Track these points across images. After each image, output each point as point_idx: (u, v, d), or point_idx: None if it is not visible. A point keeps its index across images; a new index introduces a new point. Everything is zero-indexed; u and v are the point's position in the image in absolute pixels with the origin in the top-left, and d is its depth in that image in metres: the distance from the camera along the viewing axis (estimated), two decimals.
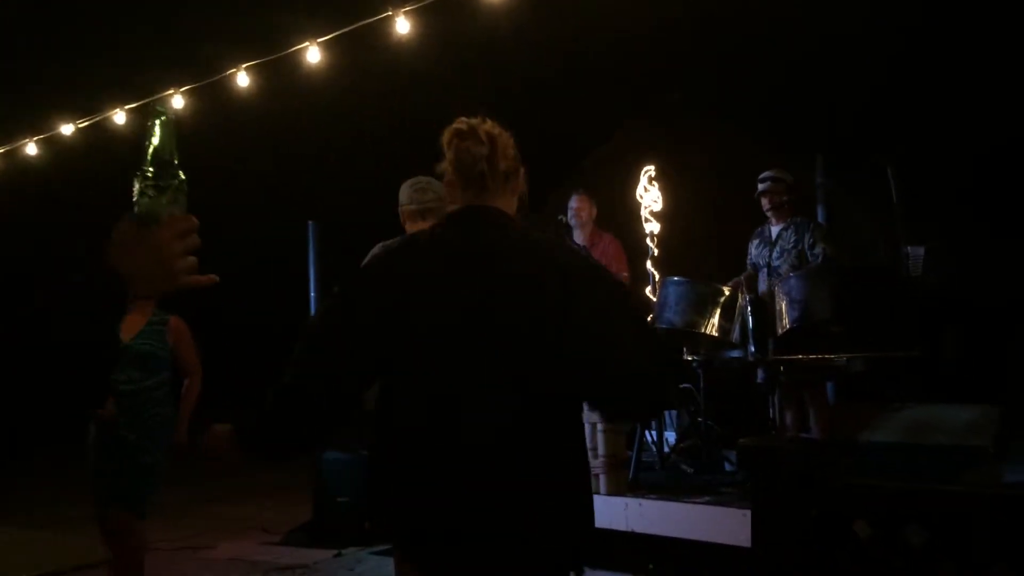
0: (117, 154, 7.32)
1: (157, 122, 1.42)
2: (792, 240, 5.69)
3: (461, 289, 2.05)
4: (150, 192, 1.38)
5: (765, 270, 5.78)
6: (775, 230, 5.84)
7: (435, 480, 1.99)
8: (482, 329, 2.02)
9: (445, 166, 2.22)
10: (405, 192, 4.02)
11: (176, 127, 1.44)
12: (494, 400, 1.99)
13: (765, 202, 5.83)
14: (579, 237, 6.20)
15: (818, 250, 5.56)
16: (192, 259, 1.39)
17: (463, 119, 2.22)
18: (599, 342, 2.04)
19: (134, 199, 1.39)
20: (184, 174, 1.42)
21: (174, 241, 1.36)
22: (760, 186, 5.84)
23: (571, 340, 1.99)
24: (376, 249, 3.11)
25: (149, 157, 1.40)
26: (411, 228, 3.89)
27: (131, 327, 4.38)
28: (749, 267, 6.02)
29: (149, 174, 1.39)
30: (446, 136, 2.22)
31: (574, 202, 6.25)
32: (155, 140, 1.41)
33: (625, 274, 6.28)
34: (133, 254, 1.34)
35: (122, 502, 4.20)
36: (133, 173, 1.39)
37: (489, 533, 1.99)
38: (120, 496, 4.21)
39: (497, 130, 2.23)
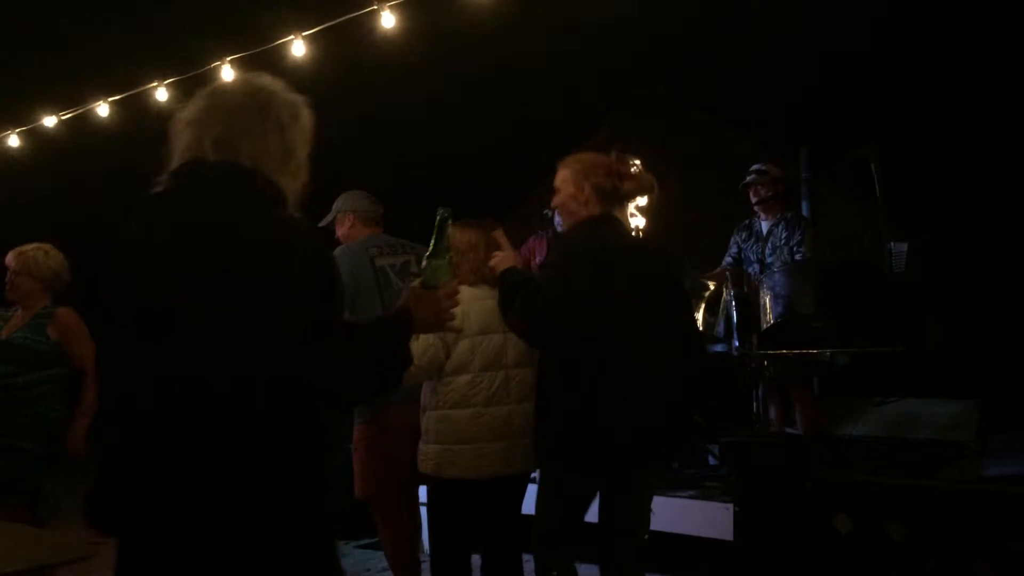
0: (99, 146, 7.28)
1: (439, 219, 2.13)
2: (784, 237, 5.68)
3: (632, 273, 3.10)
4: (431, 266, 2.09)
5: (757, 266, 5.77)
6: (765, 226, 5.83)
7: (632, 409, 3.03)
8: (647, 299, 3.10)
9: (585, 190, 3.17)
10: (362, 200, 4.55)
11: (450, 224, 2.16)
12: (659, 350, 3.07)
13: (751, 194, 5.84)
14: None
15: (802, 253, 5.56)
16: (455, 312, 2.14)
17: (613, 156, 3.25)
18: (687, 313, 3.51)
19: (422, 268, 2.12)
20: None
21: (445, 300, 2.09)
22: (747, 179, 5.84)
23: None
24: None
25: (433, 242, 2.10)
26: (361, 231, 4.49)
27: (16, 322, 4.33)
28: (730, 259, 6.02)
29: (431, 254, 2.10)
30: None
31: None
32: (439, 232, 2.12)
33: None
34: (418, 306, 2.04)
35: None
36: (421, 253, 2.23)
37: (660, 436, 3.15)
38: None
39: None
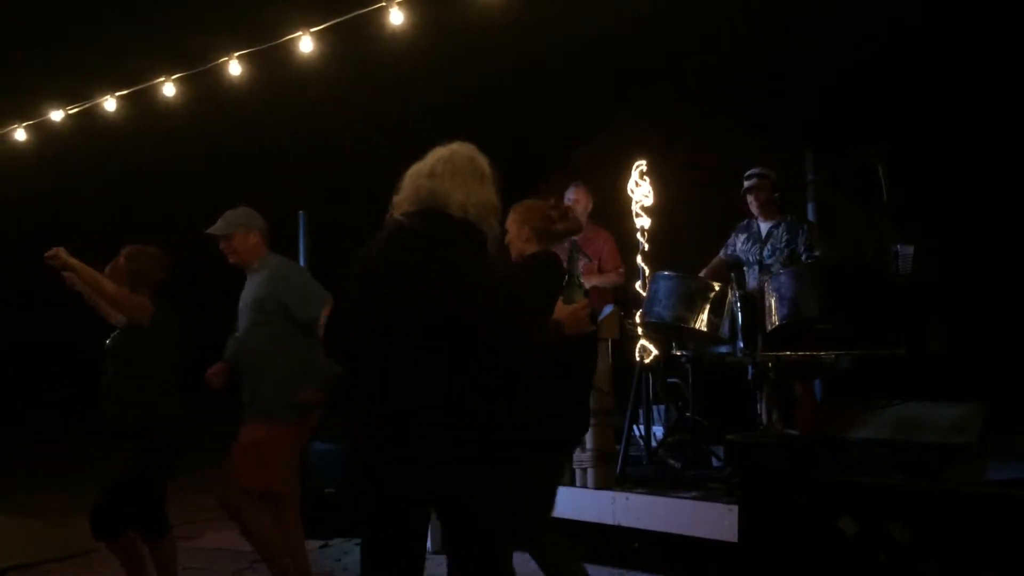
0: (107, 141, 7.28)
1: (570, 252, 3.27)
2: (784, 239, 5.67)
3: None
4: (572, 284, 3.02)
5: (756, 267, 5.76)
6: (764, 227, 5.82)
7: None
8: None
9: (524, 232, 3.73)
10: (261, 219, 4.57)
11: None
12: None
13: (751, 199, 5.81)
14: None
15: (816, 254, 5.55)
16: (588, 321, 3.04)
17: None
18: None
19: (564, 284, 3.06)
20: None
21: (582, 311, 2.96)
22: (747, 183, 5.80)
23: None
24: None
25: (567, 266, 3.20)
26: (263, 250, 4.52)
27: None
28: (722, 255, 6.02)
29: (570, 276, 3.08)
30: None
31: (571, 193, 6.19)
32: (571, 263, 3.19)
33: (621, 269, 6.29)
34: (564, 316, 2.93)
35: None
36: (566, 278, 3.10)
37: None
38: None
39: None
